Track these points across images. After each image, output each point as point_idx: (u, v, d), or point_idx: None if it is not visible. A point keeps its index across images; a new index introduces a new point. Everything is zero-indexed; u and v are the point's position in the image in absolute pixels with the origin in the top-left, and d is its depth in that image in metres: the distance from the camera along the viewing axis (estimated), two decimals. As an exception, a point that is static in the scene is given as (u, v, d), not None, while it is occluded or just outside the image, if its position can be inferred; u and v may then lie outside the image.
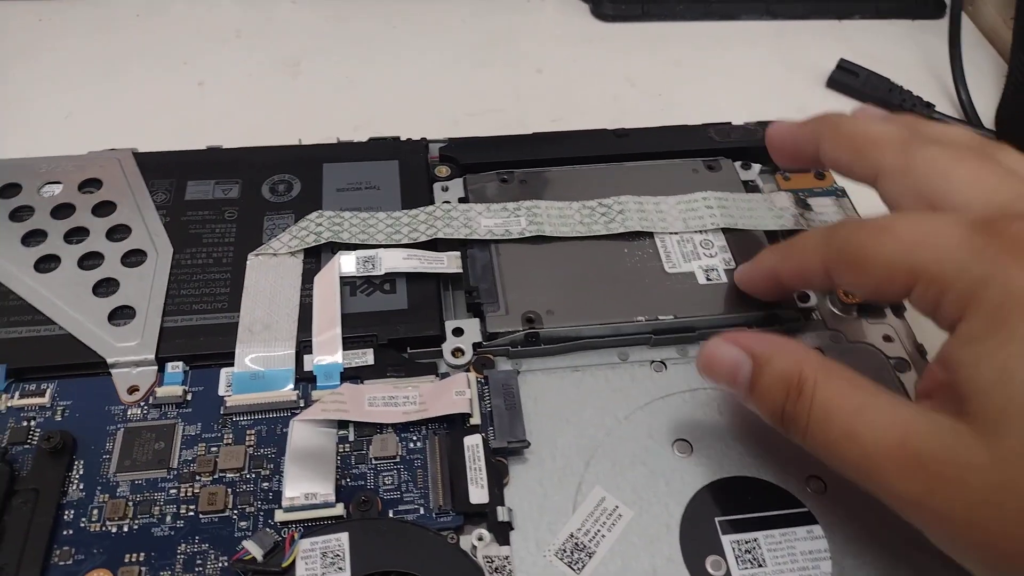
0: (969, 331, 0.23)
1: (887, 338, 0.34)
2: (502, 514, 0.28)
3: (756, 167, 0.42)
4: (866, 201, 0.41)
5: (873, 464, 0.23)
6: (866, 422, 0.23)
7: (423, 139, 0.42)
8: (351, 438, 0.31)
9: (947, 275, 0.23)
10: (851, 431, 0.23)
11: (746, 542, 0.28)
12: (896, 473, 0.22)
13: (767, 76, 0.53)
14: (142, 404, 0.31)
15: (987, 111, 0.50)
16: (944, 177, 0.26)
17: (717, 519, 0.29)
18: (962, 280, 0.23)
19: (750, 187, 0.40)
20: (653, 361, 0.33)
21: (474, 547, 0.28)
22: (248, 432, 0.31)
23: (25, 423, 0.30)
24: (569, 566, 0.28)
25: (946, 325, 0.24)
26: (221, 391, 0.31)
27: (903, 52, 0.56)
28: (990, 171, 0.26)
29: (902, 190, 0.27)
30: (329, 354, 0.32)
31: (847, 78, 0.51)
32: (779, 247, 0.32)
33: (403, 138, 0.42)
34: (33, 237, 0.36)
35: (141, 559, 0.27)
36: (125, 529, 0.28)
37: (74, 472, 0.29)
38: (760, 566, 0.28)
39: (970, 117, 0.50)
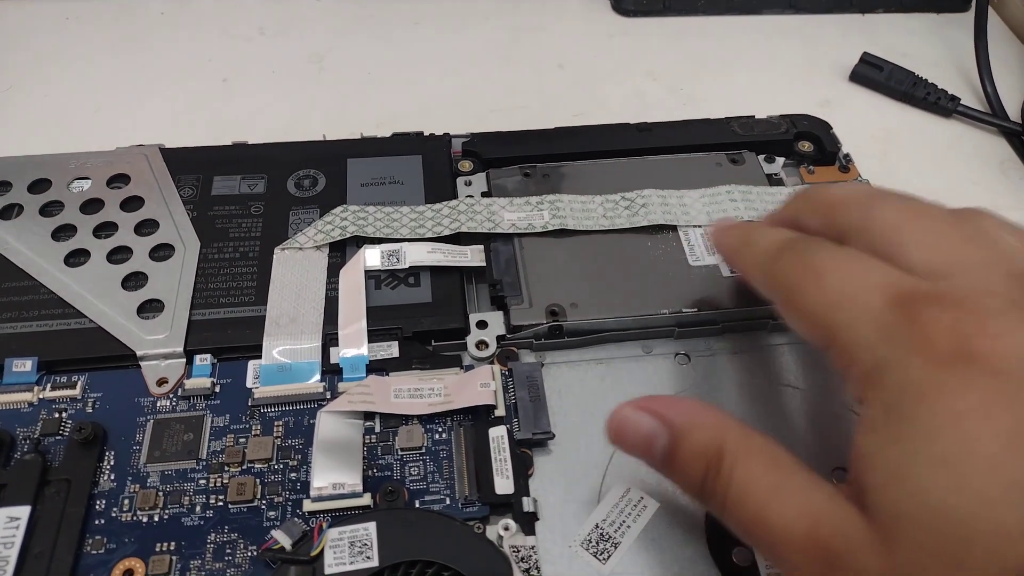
0: (869, 417, 0.21)
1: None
2: (527, 505, 0.28)
3: (780, 160, 0.41)
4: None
5: (781, 551, 0.22)
6: (778, 506, 0.22)
7: (446, 134, 0.42)
8: (377, 429, 0.31)
9: (856, 349, 0.22)
10: (763, 515, 0.22)
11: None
12: (802, 563, 0.21)
13: (790, 70, 0.52)
14: (171, 396, 0.32)
15: (1013, 105, 0.49)
16: (897, 232, 0.25)
17: (742, 511, 0.29)
18: (867, 358, 0.22)
19: (774, 180, 0.40)
20: (677, 354, 0.33)
21: (500, 537, 0.28)
22: (276, 423, 0.31)
23: (57, 415, 0.31)
24: (595, 556, 0.28)
25: (853, 397, 0.23)
26: (249, 383, 0.32)
27: (928, 46, 0.55)
28: (945, 232, 0.24)
29: (862, 247, 0.25)
30: (355, 347, 0.32)
31: (871, 72, 0.51)
32: (745, 231, 0.30)
33: (426, 133, 0.42)
34: (63, 232, 0.36)
35: (172, 548, 0.28)
36: (156, 519, 0.28)
37: (105, 463, 0.30)
38: (786, 558, 0.28)
39: (996, 110, 0.49)
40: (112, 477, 0.29)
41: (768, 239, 0.28)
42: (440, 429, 0.31)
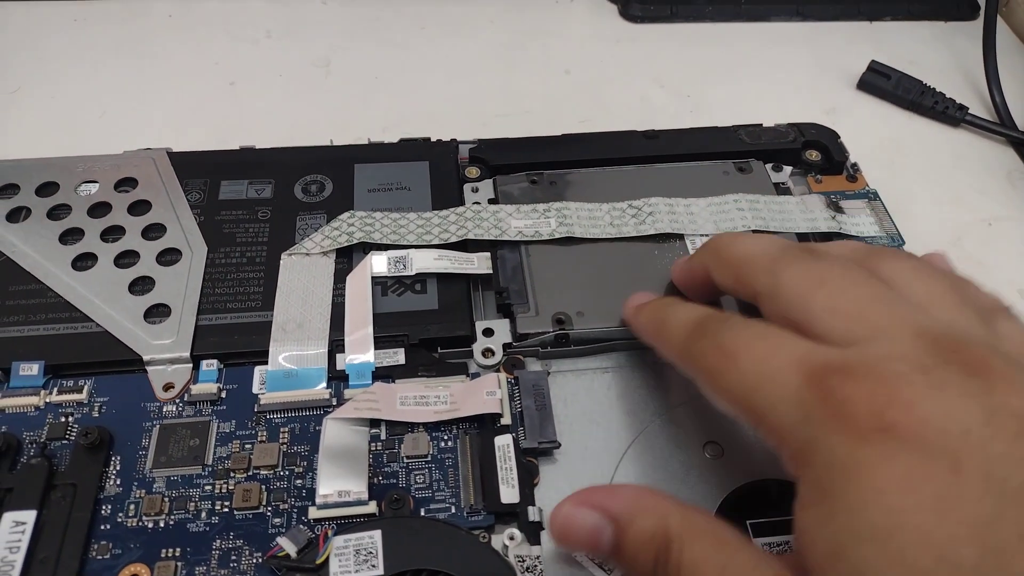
0: (803, 495, 0.21)
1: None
2: (533, 514, 0.28)
3: (787, 169, 0.41)
4: (899, 201, 0.41)
5: None
6: None
7: (453, 140, 0.42)
8: (383, 437, 0.31)
9: (781, 431, 0.22)
10: None
11: (778, 544, 0.28)
12: None
13: (797, 78, 0.52)
14: (177, 401, 0.32)
15: (1022, 115, 0.49)
16: (803, 300, 0.25)
17: (749, 522, 0.29)
18: (794, 439, 0.22)
19: (781, 189, 0.40)
20: (684, 363, 0.33)
21: (505, 546, 0.28)
22: (282, 430, 0.31)
23: (63, 419, 0.31)
24: (600, 567, 0.28)
25: (788, 475, 0.23)
26: (255, 389, 0.32)
27: (935, 54, 0.55)
28: (852, 295, 0.24)
29: (773, 314, 0.26)
30: (361, 353, 0.32)
31: (878, 80, 0.51)
32: (657, 310, 0.30)
33: (433, 139, 0.42)
34: (70, 235, 0.36)
35: (177, 554, 0.28)
36: (161, 524, 0.28)
37: (111, 468, 0.30)
38: (792, 570, 0.28)
39: (1004, 120, 0.49)
40: (118, 482, 0.29)
41: (680, 321, 0.28)
42: (446, 437, 0.31)
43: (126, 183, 0.38)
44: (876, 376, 0.21)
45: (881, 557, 0.19)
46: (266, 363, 0.32)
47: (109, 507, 0.29)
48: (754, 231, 0.37)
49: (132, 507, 0.29)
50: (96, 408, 0.31)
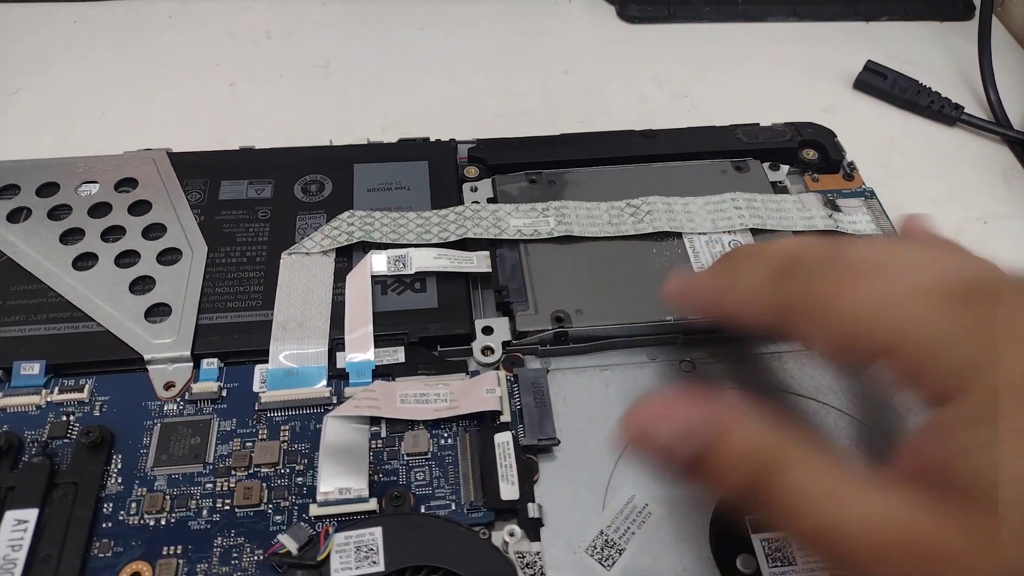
0: (962, 416, 0.20)
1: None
2: (533, 511, 0.29)
3: (784, 168, 0.42)
4: (895, 200, 0.41)
5: (853, 559, 0.20)
6: (844, 512, 0.20)
7: (452, 140, 0.42)
8: (383, 434, 0.31)
9: (932, 348, 0.21)
10: (827, 523, 0.20)
11: (776, 540, 0.28)
12: (879, 568, 0.20)
13: (794, 78, 0.53)
14: (178, 400, 0.32)
15: (1017, 113, 0.50)
16: (885, 258, 0.23)
17: (747, 517, 0.29)
18: (950, 357, 0.20)
19: (778, 188, 0.41)
20: (682, 361, 0.34)
21: (505, 543, 0.28)
22: (282, 428, 0.31)
23: (65, 418, 0.31)
24: (599, 563, 0.28)
25: (929, 399, 0.21)
26: (255, 387, 0.32)
27: (931, 54, 0.55)
28: (933, 248, 0.24)
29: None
30: (361, 352, 0.33)
31: (875, 80, 0.51)
32: (721, 271, 0.28)
33: (432, 139, 0.42)
34: (71, 235, 0.36)
35: (178, 552, 0.28)
36: (163, 522, 0.29)
37: (112, 466, 0.30)
38: (790, 564, 0.28)
39: (999, 119, 0.50)
40: (119, 480, 0.29)
41: (763, 266, 0.26)
42: (446, 434, 0.31)
43: (126, 183, 0.38)
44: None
45: None
46: (267, 362, 0.32)
47: (111, 505, 0.29)
48: (752, 230, 0.37)
49: (134, 505, 0.29)
50: (97, 407, 0.31)
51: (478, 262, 0.36)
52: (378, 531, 0.27)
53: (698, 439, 0.22)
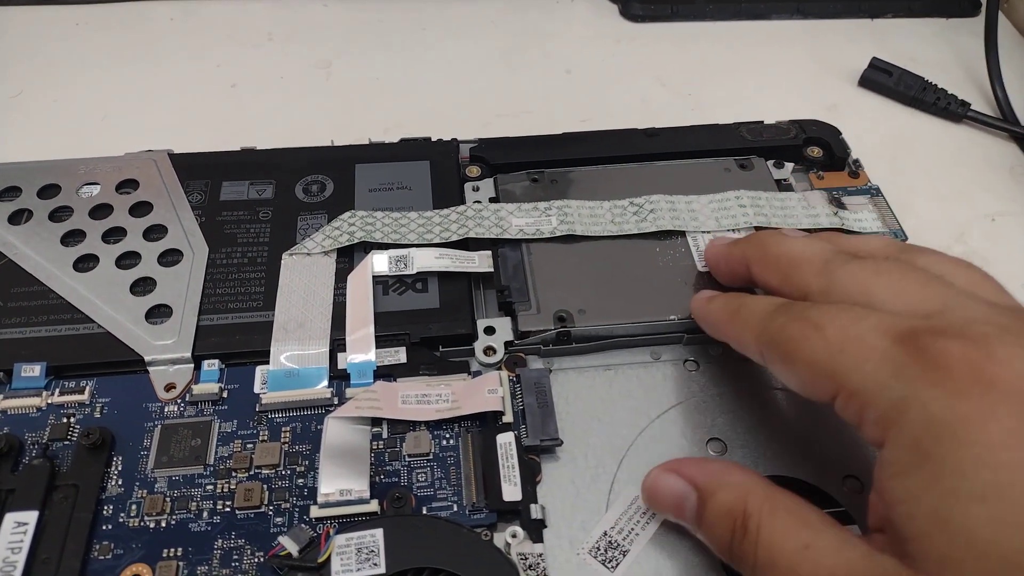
0: (895, 460, 0.21)
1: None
2: (535, 512, 0.28)
3: (789, 166, 0.41)
4: (902, 197, 0.41)
5: None
6: (811, 567, 0.22)
7: (453, 140, 0.42)
8: (385, 435, 0.31)
9: (868, 391, 0.22)
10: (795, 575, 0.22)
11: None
12: None
13: (798, 75, 0.52)
14: (179, 401, 0.31)
15: (1024, 109, 0.49)
16: (866, 293, 0.25)
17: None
18: (883, 399, 0.22)
19: (783, 186, 0.40)
20: (686, 360, 0.33)
21: (508, 544, 0.28)
22: (283, 429, 0.31)
23: (65, 419, 0.31)
24: (603, 564, 0.28)
25: (870, 442, 0.23)
26: (256, 388, 0.32)
27: (937, 51, 0.55)
28: (911, 280, 0.25)
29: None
30: (362, 352, 0.32)
31: (880, 77, 0.51)
32: (728, 302, 0.30)
33: (434, 139, 0.42)
34: (72, 237, 0.36)
35: (179, 554, 0.28)
36: (163, 524, 0.28)
37: (113, 468, 0.30)
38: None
39: (1006, 115, 0.49)
40: (120, 482, 0.29)
41: (760, 304, 0.28)
42: (448, 435, 0.31)
43: (127, 185, 0.38)
44: (967, 335, 0.21)
45: (993, 516, 0.19)
46: (267, 363, 0.32)
47: (111, 507, 0.29)
48: (756, 228, 0.37)
49: (134, 507, 0.29)
50: (98, 409, 0.31)
51: (480, 262, 0.35)
52: (379, 533, 0.27)
53: (689, 503, 0.26)
